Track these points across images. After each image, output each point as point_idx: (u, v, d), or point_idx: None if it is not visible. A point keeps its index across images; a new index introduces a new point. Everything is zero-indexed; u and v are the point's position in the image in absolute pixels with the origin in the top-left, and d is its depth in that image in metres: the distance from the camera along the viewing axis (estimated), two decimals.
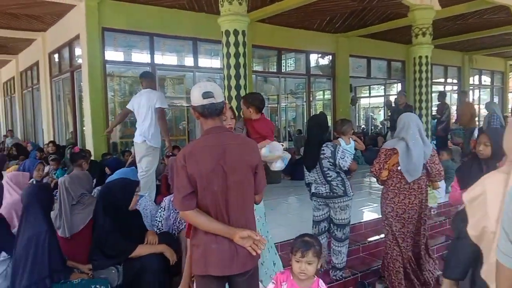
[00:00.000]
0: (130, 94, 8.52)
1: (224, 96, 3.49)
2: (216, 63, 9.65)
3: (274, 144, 3.59)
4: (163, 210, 3.82)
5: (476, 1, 8.15)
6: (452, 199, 3.33)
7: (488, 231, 1.57)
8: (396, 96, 10.49)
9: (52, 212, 3.21)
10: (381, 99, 16.03)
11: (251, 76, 9.52)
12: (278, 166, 3.65)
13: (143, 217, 3.75)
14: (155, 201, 4.93)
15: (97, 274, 3.17)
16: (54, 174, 6.68)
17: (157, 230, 3.72)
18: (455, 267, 2.13)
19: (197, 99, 2.14)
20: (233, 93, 5.22)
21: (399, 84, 13.90)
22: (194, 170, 2.06)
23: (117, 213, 3.23)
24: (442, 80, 14.88)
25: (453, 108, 11.07)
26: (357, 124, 15.08)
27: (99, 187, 4.78)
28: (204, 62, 9.62)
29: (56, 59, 9.97)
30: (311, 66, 11.51)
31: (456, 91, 15.08)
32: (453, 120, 10.98)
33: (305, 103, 12.13)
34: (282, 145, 3.69)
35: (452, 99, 14.88)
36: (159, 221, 3.81)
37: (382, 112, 16.73)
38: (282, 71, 11.16)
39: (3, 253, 3.04)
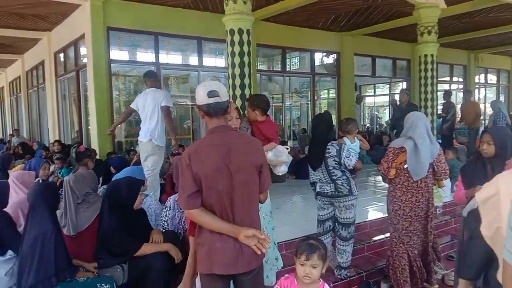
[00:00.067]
0: (135, 93, 8.53)
1: (229, 95, 3.50)
2: (220, 62, 9.66)
3: (279, 149, 3.59)
4: (168, 209, 3.83)
5: None
6: (456, 198, 3.33)
7: (502, 231, 1.55)
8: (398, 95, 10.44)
9: (57, 211, 3.23)
10: (386, 98, 15.93)
11: (256, 75, 9.53)
12: (282, 170, 3.66)
13: (148, 215, 3.76)
14: (160, 200, 4.94)
15: (103, 272, 3.18)
16: (59, 173, 6.71)
17: (162, 229, 3.73)
18: (469, 267, 2.12)
19: (202, 98, 2.14)
20: (238, 92, 5.23)
21: (404, 83, 13.83)
22: (199, 169, 2.06)
23: (123, 212, 3.24)
24: (448, 78, 14.81)
25: (458, 107, 10.99)
26: (362, 123, 15.03)
27: (104, 186, 4.80)
28: (209, 61, 9.63)
29: (62, 59, 10.01)
30: (315, 65, 11.49)
31: (462, 90, 15.00)
32: (458, 119, 10.91)
33: (309, 102, 12.11)
34: (287, 149, 3.69)
35: (457, 98, 14.79)
36: (164, 221, 3.83)
37: (387, 111, 16.65)
38: (287, 70, 11.16)
39: (10, 252, 3.06)
